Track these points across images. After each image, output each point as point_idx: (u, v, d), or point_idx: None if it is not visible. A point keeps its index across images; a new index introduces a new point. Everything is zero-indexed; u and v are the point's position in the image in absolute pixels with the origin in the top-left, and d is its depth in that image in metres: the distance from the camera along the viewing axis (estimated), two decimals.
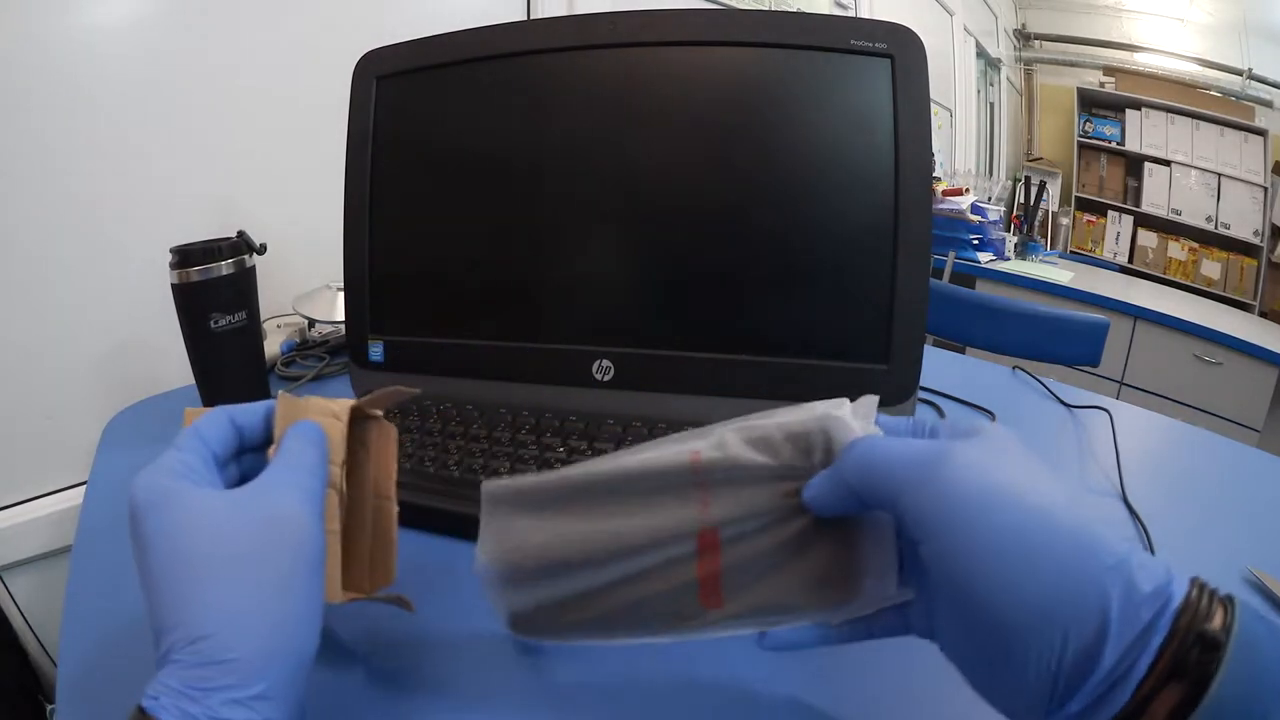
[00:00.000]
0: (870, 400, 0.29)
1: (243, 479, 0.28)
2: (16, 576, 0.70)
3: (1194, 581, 0.20)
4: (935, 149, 2.37)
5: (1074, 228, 3.40)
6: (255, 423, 0.30)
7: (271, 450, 0.28)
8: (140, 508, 0.25)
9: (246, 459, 0.31)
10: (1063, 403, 0.68)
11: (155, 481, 0.25)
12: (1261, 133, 2.84)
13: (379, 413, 0.32)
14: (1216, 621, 0.18)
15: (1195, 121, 3.00)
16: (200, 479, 0.26)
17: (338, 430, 0.30)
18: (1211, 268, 3.00)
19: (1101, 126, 3.30)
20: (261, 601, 0.24)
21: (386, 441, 0.32)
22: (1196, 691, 0.18)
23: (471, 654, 0.34)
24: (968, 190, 2.18)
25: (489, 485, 0.29)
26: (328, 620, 0.26)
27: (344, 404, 0.31)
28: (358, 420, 0.31)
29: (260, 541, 0.25)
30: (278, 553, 0.25)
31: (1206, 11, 2.92)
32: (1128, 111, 3.19)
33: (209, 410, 0.30)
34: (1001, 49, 3.34)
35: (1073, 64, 3.36)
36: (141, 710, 0.22)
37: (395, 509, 0.32)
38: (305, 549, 0.25)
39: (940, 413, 0.62)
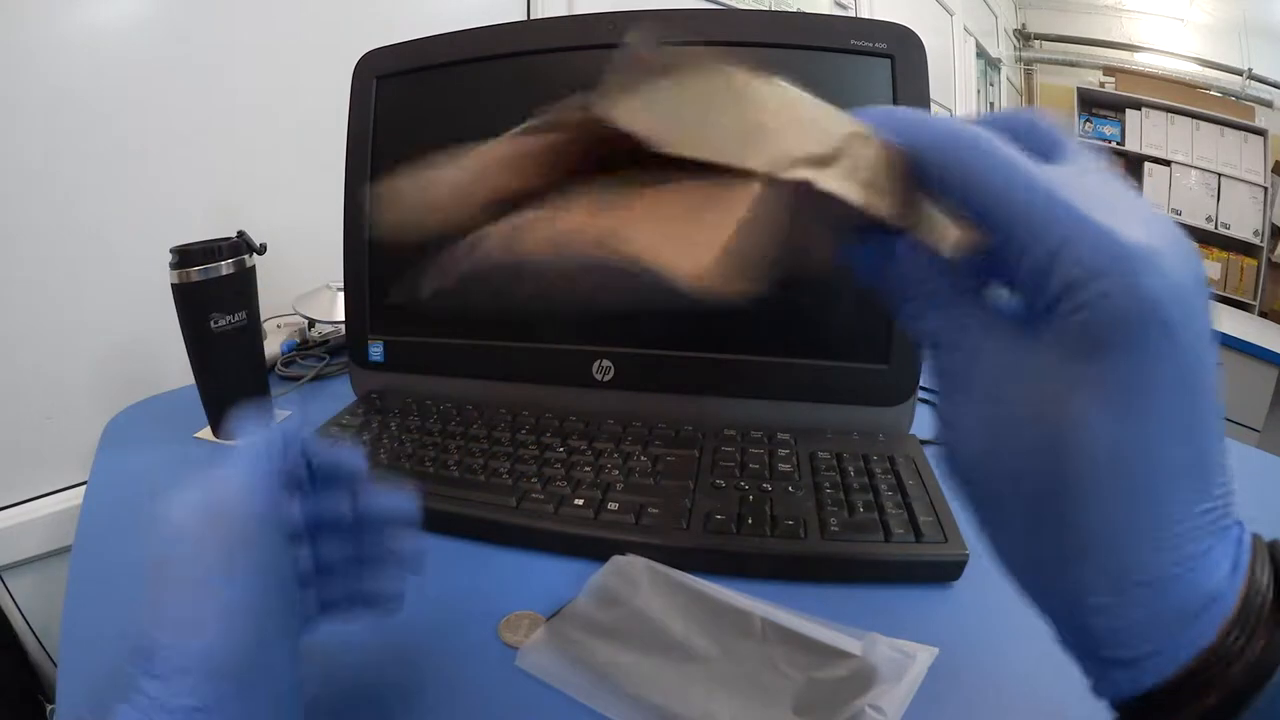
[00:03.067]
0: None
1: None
2: (16, 576, 0.70)
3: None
4: None
5: None
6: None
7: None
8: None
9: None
10: None
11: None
12: (1261, 133, 2.84)
13: None
14: None
15: (1195, 121, 3.01)
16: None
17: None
18: (1211, 268, 3.00)
19: (1101, 126, 3.30)
20: (196, 607, 0.22)
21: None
22: None
23: (468, 654, 0.34)
24: None
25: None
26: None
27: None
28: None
29: (203, 542, 0.23)
30: (215, 552, 0.23)
31: (1206, 11, 2.92)
32: (1128, 111, 3.19)
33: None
34: (1001, 49, 3.34)
35: (1073, 64, 3.36)
36: None
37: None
38: (243, 544, 0.23)
39: None
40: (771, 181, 0.17)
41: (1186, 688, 0.16)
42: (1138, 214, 0.16)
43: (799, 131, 0.18)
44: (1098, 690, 0.18)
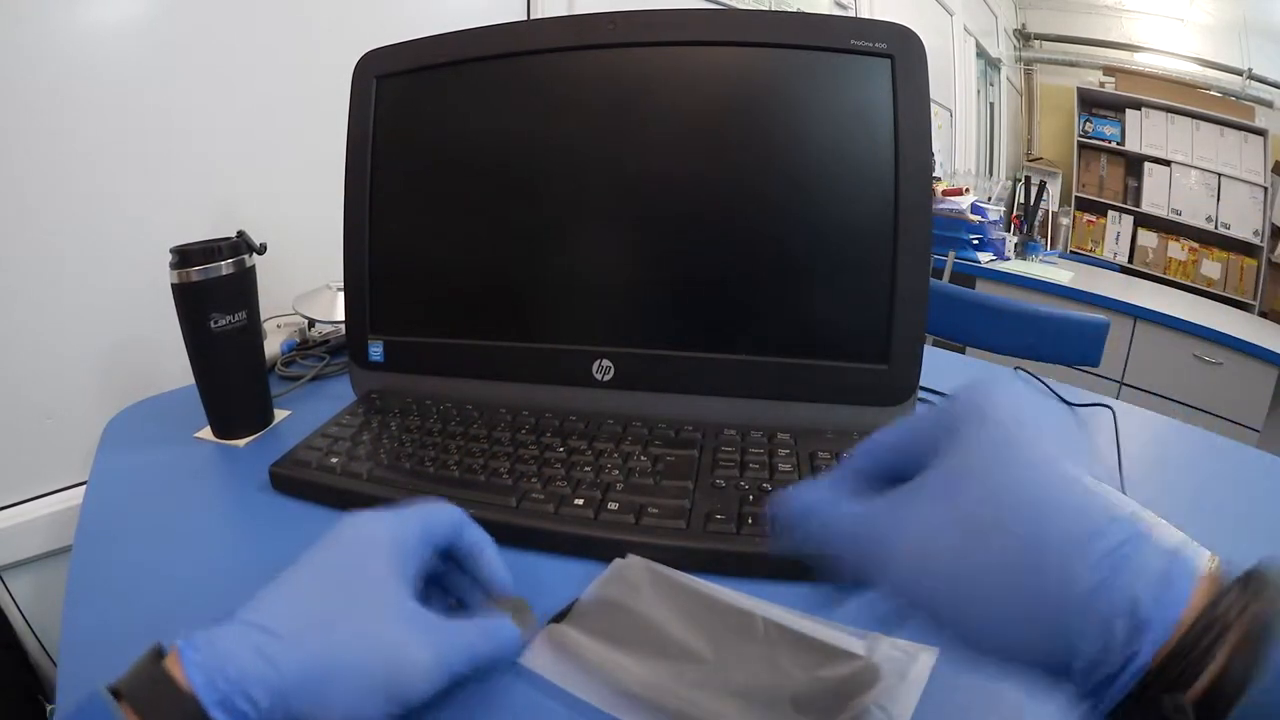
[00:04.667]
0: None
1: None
2: (16, 576, 0.70)
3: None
4: (935, 149, 2.36)
5: (1074, 228, 3.41)
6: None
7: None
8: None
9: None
10: (1065, 401, 0.68)
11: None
12: (1261, 133, 2.84)
13: None
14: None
15: (1195, 121, 3.01)
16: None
17: None
18: (1211, 268, 3.00)
19: (1101, 126, 3.30)
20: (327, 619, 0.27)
21: None
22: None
23: None
24: (968, 190, 2.18)
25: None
26: None
27: None
28: None
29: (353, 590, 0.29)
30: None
31: (1206, 11, 2.92)
32: (1128, 111, 3.19)
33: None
34: (1001, 49, 3.34)
35: (1073, 64, 3.36)
36: (159, 651, 0.25)
37: None
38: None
39: None
40: None
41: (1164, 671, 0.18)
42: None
43: None
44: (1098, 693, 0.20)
